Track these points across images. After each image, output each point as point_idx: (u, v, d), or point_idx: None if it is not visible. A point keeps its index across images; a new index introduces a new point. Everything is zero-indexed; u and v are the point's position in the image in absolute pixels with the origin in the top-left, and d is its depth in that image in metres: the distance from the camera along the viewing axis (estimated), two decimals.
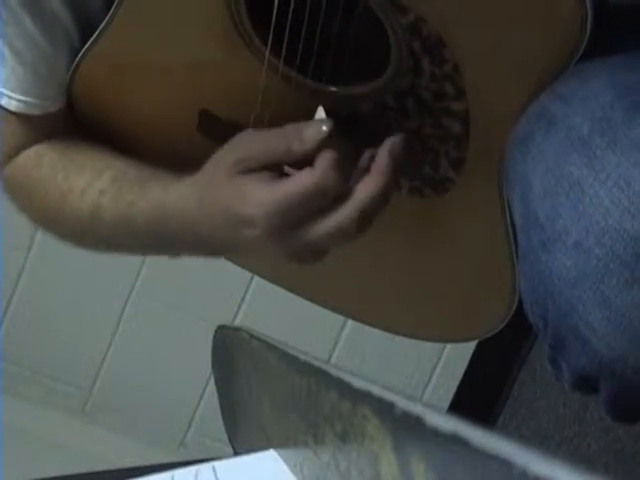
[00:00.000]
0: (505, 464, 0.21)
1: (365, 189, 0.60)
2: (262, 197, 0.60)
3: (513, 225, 0.65)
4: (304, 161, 0.60)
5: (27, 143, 0.72)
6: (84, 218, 0.70)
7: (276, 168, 0.61)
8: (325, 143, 0.60)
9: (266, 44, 0.62)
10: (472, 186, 0.66)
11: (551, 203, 0.51)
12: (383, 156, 0.60)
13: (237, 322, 1.45)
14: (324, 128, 0.60)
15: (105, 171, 0.70)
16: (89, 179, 0.70)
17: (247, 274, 1.45)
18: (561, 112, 0.54)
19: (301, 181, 0.59)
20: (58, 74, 0.69)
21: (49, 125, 0.72)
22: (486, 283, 0.73)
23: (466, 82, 0.59)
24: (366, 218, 0.60)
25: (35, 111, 0.70)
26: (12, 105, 0.69)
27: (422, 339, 0.84)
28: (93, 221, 0.69)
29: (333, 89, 0.64)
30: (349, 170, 0.61)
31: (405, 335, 0.82)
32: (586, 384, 0.55)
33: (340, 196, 0.60)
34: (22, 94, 0.68)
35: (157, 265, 1.44)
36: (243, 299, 1.45)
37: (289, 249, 0.62)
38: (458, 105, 0.61)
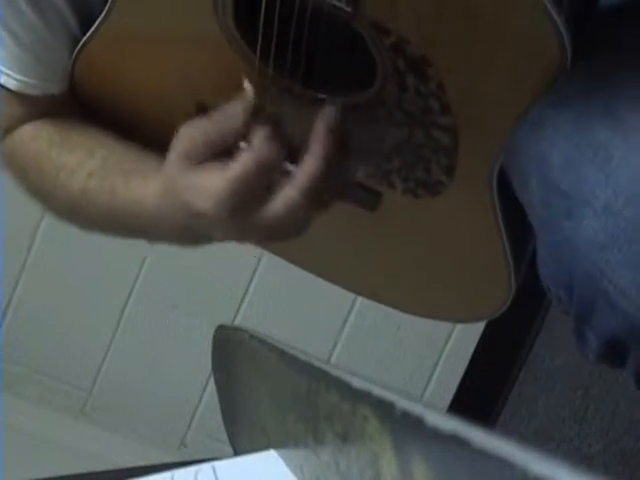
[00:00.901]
0: (505, 464, 0.21)
1: (305, 163, 0.59)
2: (209, 188, 0.60)
3: (506, 224, 0.66)
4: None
5: (25, 120, 0.72)
6: (74, 197, 0.70)
7: (232, 148, 0.61)
8: (257, 115, 0.59)
9: (254, 50, 0.62)
10: (464, 189, 0.66)
11: (574, 171, 0.50)
12: (318, 127, 0.60)
13: (237, 322, 1.45)
14: (248, 97, 0.60)
15: (96, 151, 0.70)
16: (81, 158, 0.70)
17: (247, 274, 1.45)
18: (576, 87, 0.53)
19: (241, 162, 0.59)
20: (58, 60, 0.69)
21: (48, 105, 0.72)
22: (483, 274, 0.74)
23: (451, 99, 0.59)
24: (314, 190, 0.59)
25: (34, 91, 0.70)
26: (10, 83, 0.69)
27: (430, 318, 0.85)
28: (82, 201, 0.70)
29: (322, 97, 0.64)
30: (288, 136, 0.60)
31: (410, 313, 0.84)
32: (614, 352, 0.55)
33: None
34: (21, 74, 0.68)
35: (157, 265, 1.44)
36: (243, 299, 1.45)
37: (258, 231, 0.62)
38: (445, 119, 0.61)
